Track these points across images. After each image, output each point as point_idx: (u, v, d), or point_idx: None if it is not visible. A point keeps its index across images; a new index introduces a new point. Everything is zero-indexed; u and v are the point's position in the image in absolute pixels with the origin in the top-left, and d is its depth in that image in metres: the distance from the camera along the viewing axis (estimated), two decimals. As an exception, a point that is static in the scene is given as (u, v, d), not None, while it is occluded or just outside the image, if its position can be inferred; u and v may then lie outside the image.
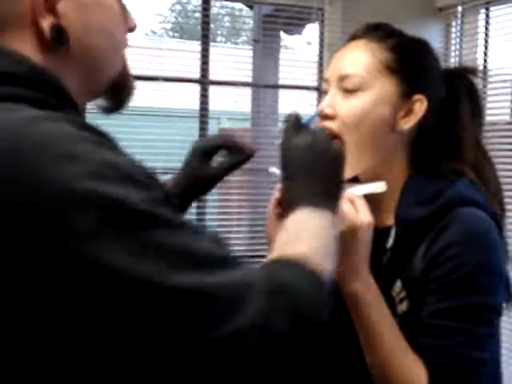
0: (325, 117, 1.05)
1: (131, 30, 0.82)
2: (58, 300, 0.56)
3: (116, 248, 0.56)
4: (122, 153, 0.65)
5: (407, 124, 1.06)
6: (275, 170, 1.04)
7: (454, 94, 1.11)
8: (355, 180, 1.07)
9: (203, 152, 1.08)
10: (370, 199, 1.00)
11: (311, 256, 0.71)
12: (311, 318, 0.64)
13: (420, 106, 1.06)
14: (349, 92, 1.05)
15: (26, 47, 0.69)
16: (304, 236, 0.75)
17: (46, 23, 0.69)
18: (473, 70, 1.14)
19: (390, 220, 1.07)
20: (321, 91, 1.03)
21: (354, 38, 1.11)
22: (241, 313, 0.58)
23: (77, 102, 0.73)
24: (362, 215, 0.96)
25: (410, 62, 1.07)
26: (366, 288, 0.98)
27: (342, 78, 1.06)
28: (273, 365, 0.59)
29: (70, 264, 0.55)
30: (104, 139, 0.65)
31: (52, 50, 0.70)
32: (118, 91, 0.82)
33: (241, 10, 4.11)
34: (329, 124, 1.05)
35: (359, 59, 1.06)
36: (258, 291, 0.61)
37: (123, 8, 0.80)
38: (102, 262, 0.55)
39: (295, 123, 0.90)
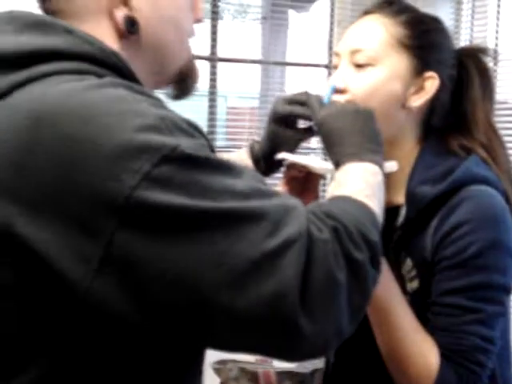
0: (335, 91, 1.05)
1: (198, 20, 0.87)
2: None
3: (170, 188, 0.62)
4: (171, 111, 0.70)
5: (418, 101, 1.06)
6: (284, 156, 1.05)
7: (465, 73, 1.10)
8: None
9: (281, 118, 1.07)
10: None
11: (355, 194, 0.79)
12: (354, 232, 0.71)
13: (432, 83, 1.05)
14: (360, 66, 1.05)
15: (104, 35, 0.76)
16: (348, 182, 0.84)
17: (120, 14, 0.77)
18: (484, 50, 1.13)
19: (400, 198, 1.07)
20: (330, 69, 1.02)
21: (366, 12, 1.11)
22: (287, 226, 0.66)
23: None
24: None
25: (423, 38, 1.06)
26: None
27: (354, 52, 1.05)
28: (322, 268, 0.66)
29: (125, 201, 0.61)
30: (156, 101, 0.71)
31: (126, 39, 0.78)
32: (184, 79, 0.87)
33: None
34: (339, 98, 1.04)
35: (372, 34, 1.06)
36: (300, 209, 0.70)
37: (192, 3, 0.85)
38: (160, 200, 0.61)
39: (318, 99, 1.00)
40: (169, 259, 0.61)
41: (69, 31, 0.73)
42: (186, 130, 0.67)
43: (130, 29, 0.77)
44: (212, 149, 0.71)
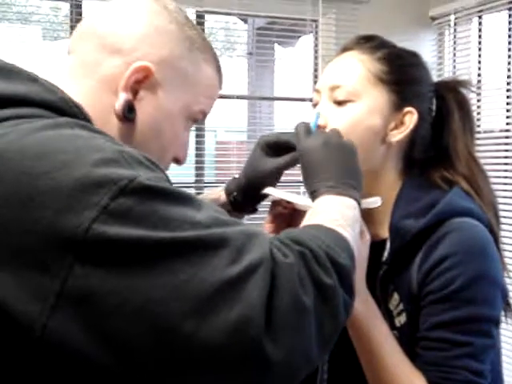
0: (318, 127, 1.05)
1: (177, 160, 0.90)
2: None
3: (128, 220, 0.62)
4: (128, 148, 0.71)
5: (398, 136, 1.06)
6: (270, 191, 1.04)
7: (444, 106, 1.11)
8: None
9: (264, 146, 1.06)
10: (364, 212, 0.99)
11: (327, 223, 0.79)
12: (321, 256, 0.70)
13: (410, 118, 1.06)
14: (339, 103, 1.05)
15: (98, 101, 0.80)
16: (323, 212, 0.83)
17: (123, 97, 0.80)
18: (464, 82, 1.15)
19: (384, 232, 1.07)
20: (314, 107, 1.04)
21: (345, 49, 1.12)
22: (250, 252, 0.66)
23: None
24: (362, 234, 0.95)
25: (401, 74, 1.07)
26: (364, 306, 0.97)
27: (333, 89, 1.06)
28: (287, 292, 0.65)
29: (83, 235, 0.60)
30: (113, 139, 0.73)
31: (118, 120, 0.80)
32: None
33: (235, 23, 4.13)
34: None
35: (350, 70, 1.06)
36: (262, 236, 0.70)
37: (184, 140, 0.89)
38: (118, 233, 0.61)
39: (306, 128, 0.98)
40: (129, 291, 0.60)
41: (33, 79, 0.75)
42: (144, 163, 0.68)
43: (125, 113, 0.80)
44: (170, 183, 0.71)
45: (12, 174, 0.63)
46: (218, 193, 1.11)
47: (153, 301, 0.60)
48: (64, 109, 0.74)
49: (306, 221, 0.82)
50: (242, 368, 0.62)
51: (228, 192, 1.11)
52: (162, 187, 0.66)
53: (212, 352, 0.61)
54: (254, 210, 1.12)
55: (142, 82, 0.80)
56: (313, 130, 0.99)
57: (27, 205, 0.61)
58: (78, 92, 0.78)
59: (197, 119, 0.88)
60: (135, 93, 0.81)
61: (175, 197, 0.67)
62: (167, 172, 0.76)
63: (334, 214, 0.82)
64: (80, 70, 0.81)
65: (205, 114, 0.89)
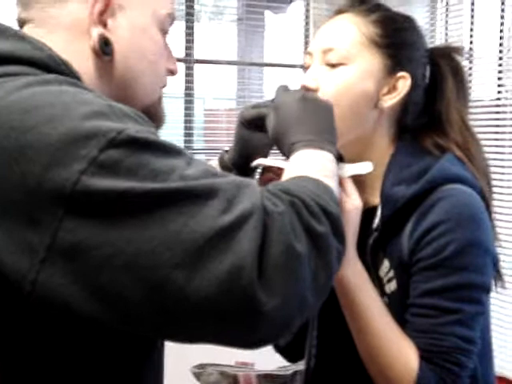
0: (307, 89, 1.03)
1: (171, 72, 0.90)
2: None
3: (118, 172, 0.61)
4: (119, 104, 0.70)
5: (390, 101, 1.05)
6: (259, 161, 1.03)
7: (438, 73, 1.10)
8: (340, 159, 1.05)
9: (249, 121, 1.05)
10: (355, 179, 0.99)
11: (312, 174, 0.78)
12: (312, 204, 0.70)
13: (404, 83, 1.04)
14: (332, 66, 1.04)
15: (78, 49, 0.78)
16: (305, 164, 0.82)
17: (96, 32, 0.78)
18: (458, 49, 1.13)
19: (375, 199, 1.06)
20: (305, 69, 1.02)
21: (339, 12, 1.10)
22: (241, 202, 0.65)
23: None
24: (352, 199, 0.94)
25: (395, 37, 1.05)
26: (353, 272, 0.97)
27: (326, 52, 1.04)
28: (279, 240, 0.65)
29: (72, 188, 0.60)
30: (100, 95, 0.72)
31: (99, 59, 0.79)
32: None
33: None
34: None
35: (343, 33, 1.04)
36: (253, 186, 0.69)
37: (167, 48, 0.88)
38: (107, 185, 0.61)
39: (285, 86, 0.96)
40: (119, 243, 0.60)
41: (20, 37, 0.74)
42: (133, 117, 0.68)
43: (103, 48, 0.79)
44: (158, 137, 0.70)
45: (1, 131, 0.62)
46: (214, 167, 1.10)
47: (143, 252, 0.60)
48: (52, 66, 0.73)
49: (290, 173, 0.81)
50: (236, 317, 0.62)
51: (225, 169, 1.10)
52: (152, 139, 0.65)
53: (204, 302, 0.61)
54: None
55: (104, 11, 0.79)
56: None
57: (16, 159, 0.61)
58: (54, 48, 0.76)
59: (167, 26, 0.87)
60: (104, 25, 0.79)
61: (165, 149, 0.66)
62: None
63: (316, 166, 0.81)
64: (42, 29, 0.79)
65: (172, 17, 0.88)
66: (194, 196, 0.63)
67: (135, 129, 0.64)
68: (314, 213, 0.69)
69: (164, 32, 0.87)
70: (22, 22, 0.82)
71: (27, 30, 0.80)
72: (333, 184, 0.79)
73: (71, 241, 0.60)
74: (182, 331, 0.64)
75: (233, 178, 0.69)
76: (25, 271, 0.60)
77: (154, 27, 0.84)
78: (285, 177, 0.81)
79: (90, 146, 0.61)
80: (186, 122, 3.36)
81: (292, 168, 0.82)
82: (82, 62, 0.78)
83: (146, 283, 0.60)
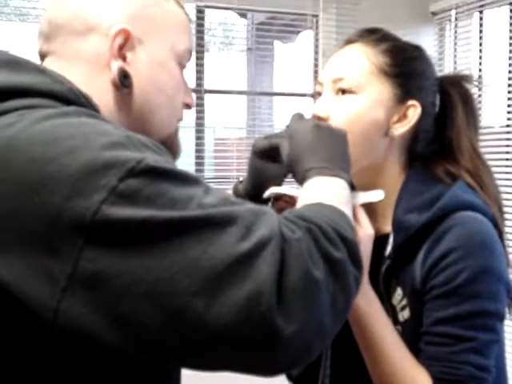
0: (318, 119, 1.04)
1: (188, 106, 0.92)
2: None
3: (137, 201, 0.62)
4: (137, 135, 0.71)
5: (401, 129, 1.06)
6: (271, 190, 1.04)
7: (448, 101, 1.11)
8: (352, 188, 1.06)
9: (261, 152, 1.06)
10: (367, 206, 0.99)
11: (326, 201, 0.79)
12: (329, 230, 0.70)
13: (414, 111, 1.05)
14: (342, 94, 1.05)
15: (99, 82, 0.81)
16: (319, 191, 0.83)
17: (116, 66, 0.81)
18: (467, 77, 1.14)
19: (387, 227, 1.06)
20: (316, 98, 1.04)
21: (349, 42, 1.11)
22: (259, 228, 0.66)
23: None
24: (364, 228, 0.94)
25: (404, 67, 1.06)
26: (366, 301, 0.97)
27: (336, 81, 1.05)
28: (297, 266, 0.65)
29: (93, 217, 0.61)
30: (118, 126, 0.73)
31: (118, 92, 0.81)
32: None
33: (234, 19, 4.12)
34: None
35: (354, 62, 1.06)
36: (270, 214, 0.70)
37: (184, 82, 0.90)
38: (127, 214, 0.61)
39: (299, 114, 0.98)
40: (139, 271, 0.61)
41: (40, 70, 0.76)
42: (151, 147, 0.69)
43: (122, 81, 0.80)
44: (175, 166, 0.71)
45: (21, 161, 0.63)
46: (231, 196, 1.11)
47: (163, 280, 0.61)
48: (72, 99, 0.74)
49: (304, 200, 0.82)
50: (255, 343, 0.62)
51: (238, 198, 1.10)
52: (170, 168, 0.66)
53: (224, 329, 0.61)
54: None
55: (124, 45, 0.81)
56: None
57: (37, 190, 0.62)
58: (73, 81, 0.78)
59: (185, 62, 0.89)
60: (123, 59, 0.81)
61: (182, 178, 0.67)
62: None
63: (330, 193, 0.82)
64: (63, 62, 0.81)
65: (190, 52, 0.90)
66: (213, 223, 0.64)
67: (153, 158, 0.65)
68: (330, 239, 0.70)
69: (182, 66, 0.88)
70: (43, 55, 0.84)
71: (49, 63, 0.82)
72: (348, 210, 0.80)
73: (92, 270, 0.60)
74: (201, 359, 0.64)
75: (250, 205, 0.70)
76: (46, 300, 0.61)
77: (171, 61, 0.86)
78: (299, 204, 0.82)
79: (110, 176, 0.62)
80: (196, 151, 3.39)
81: (306, 195, 0.83)
82: (102, 94, 0.80)
83: (165, 311, 0.61)
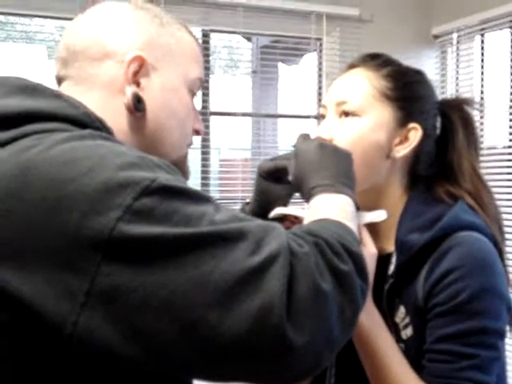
0: None
1: (197, 132, 0.95)
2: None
3: (151, 219, 0.65)
4: (150, 156, 0.74)
5: (402, 151, 1.08)
6: (277, 211, 1.06)
7: (449, 124, 1.14)
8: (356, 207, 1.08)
9: (267, 173, 1.09)
10: (370, 226, 1.01)
11: (332, 217, 0.81)
12: (335, 244, 0.73)
13: (415, 134, 1.08)
14: (345, 117, 1.08)
15: (113, 106, 0.84)
16: (324, 208, 0.85)
17: (130, 91, 0.84)
18: (468, 101, 1.17)
19: (390, 246, 1.08)
20: (320, 120, 1.07)
21: (351, 66, 1.14)
22: (269, 243, 0.68)
23: None
24: (368, 247, 0.96)
25: (406, 91, 1.09)
26: (369, 319, 0.99)
27: (339, 104, 1.09)
28: (306, 280, 0.68)
29: (109, 234, 0.63)
30: (132, 148, 0.76)
31: (132, 116, 0.85)
32: None
33: (238, 41, 4.17)
34: None
35: (356, 86, 1.09)
36: (279, 229, 0.72)
37: (195, 109, 0.94)
38: (142, 231, 0.64)
39: (305, 134, 1.01)
40: (154, 286, 0.63)
41: (56, 95, 0.79)
42: (163, 167, 0.72)
43: (136, 105, 0.84)
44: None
45: (40, 182, 0.66)
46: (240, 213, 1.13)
47: (177, 294, 0.63)
48: (87, 123, 0.77)
49: (310, 217, 0.84)
50: (266, 355, 0.65)
51: None
52: (182, 187, 0.69)
53: (236, 341, 0.63)
54: None
55: (138, 71, 0.85)
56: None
57: (55, 209, 0.64)
58: (89, 105, 0.81)
59: (196, 89, 0.92)
60: (137, 84, 0.85)
61: (194, 196, 0.70)
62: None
63: (335, 210, 0.84)
64: (80, 88, 0.85)
65: (201, 80, 0.93)
66: (225, 239, 0.67)
67: (166, 178, 0.68)
68: (337, 252, 0.72)
69: (192, 94, 0.92)
70: (60, 79, 0.88)
71: (66, 87, 0.86)
72: (353, 225, 0.82)
73: (109, 285, 0.63)
74: (214, 370, 0.66)
75: (259, 221, 0.73)
76: (65, 315, 0.63)
77: (183, 89, 0.89)
78: (306, 220, 0.84)
79: (125, 195, 0.65)
80: (202, 172, 3.42)
81: (312, 212, 0.86)
82: (116, 118, 0.84)
83: (180, 324, 0.63)
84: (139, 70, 0.85)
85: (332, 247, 0.73)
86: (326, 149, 0.95)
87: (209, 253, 0.65)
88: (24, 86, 0.79)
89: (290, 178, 0.98)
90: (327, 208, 0.85)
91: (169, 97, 0.87)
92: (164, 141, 0.88)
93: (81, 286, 0.63)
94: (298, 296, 0.66)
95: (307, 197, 0.91)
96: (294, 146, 1.00)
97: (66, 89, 0.85)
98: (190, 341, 0.64)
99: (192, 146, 0.97)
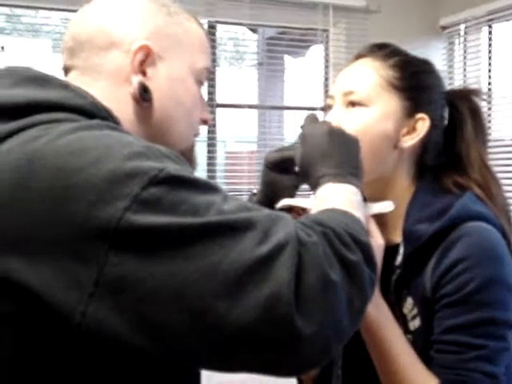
0: None
1: (204, 121, 0.95)
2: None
3: (159, 209, 0.65)
4: (157, 146, 0.74)
5: (409, 141, 1.08)
6: (283, 202, 1.06)
7: (457, 114, 1.13)
8: (363, 198, 1.08)
9: (273, 164, 1.08)
10: (378, 217, 1.01)
11: (338, 207, 0.81)
12: (343, 234, 0.73)
13: (422, 124, 1.08)
14: (353, 107, 1.07)
15: (119, 96, 0.84)
16: (331, 197, 0.85)
17: (136, 80, 0.84)
18: (476, 92, 1.16)
19: (397, 237, 1.08)
20: (326, 111, 1.06)
21: (359, 56, 1.14)
22: (277, 233, 0.68)
23: None
24: (375, 238, 0.96)
25: (413, 80, 1.08)
26: (377, 310, 0.99)
27: (347, 94, 1.08)
28: (314, 269, 0.67)
29: (117, 224, 0.63)
30: (139, 138, 0.76)
31: (139, 105, 0.84)
32: None
33: (244, 33, 4.16)
34: None
35: (363, 76, 1.08)
36: (287, 219, 0.72)
37: (202, 99, 0.93)
38: (150, 221, 0.64)
39: (313, 116, 1.00)
40: (163, 276, 0.63)
41: (64, 86, 0.79)
42: (171, 157, 0.72)
43: (143, 95, 0.84)
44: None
45: (47, 171, 0.66)
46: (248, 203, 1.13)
47: (186, 284, 0.63)
48: (94, 112, 0.77)
49: (317, 206, 0.84)
50: (275, 343, 0.64)
51: None
52: (189, 177, 0.69)
53: (245, 330, 0.63)
54: None
55: (145, 61, 0.84)
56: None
57: (63, 198, 0.64)
58: (95, 95, 0.81)
59: (203, 79, 0.92)
60: (144, 74, 0.85)
61: (202, 186, 0.70)
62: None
63: (341, 199, 0.84)
64: (86, 77, 0.85)
65: (208, 70, 0.93)
66: (233, 229, 0.66)
67: (174, 167, 0.68)
68: (345, 242, 0.72)
69: (200, 83, 0.91)
70: (67, 69, 0.88)
71: (72, 77, 0.86)
72: (360, 215, 0.82)
73: (117, 275, 0.62)
74: (223, 360, 0.66)
75: (267, 211, 0.72)
76: (74, 304, 0.63)
77: (190, 78, 0.89)
78: (314, 210, 0.84)
79: (133, 185, 0.64)
80: (208, 164, 3.42)
81: (319, 201, 0.85)
82: (123, 108, 0.83)
83: (188, 314, 0.63)
84: (145, 59, 0.84)
85: (340, 237, 0.72)
86: (334, 135, 0.94)
87: (217, 243, 0.65)
88: (32, 77, 0.79)
89: (297, 165, 0.97)
90: (334, 197, 0.85)
91: (175, 86, 0.87)
92: (171, 130, 0.88)
93: (89, 275, 0.63)
94: (307, 285, 0.66)
95: (314, 185, 0.91)
96: (302, 127, 0.99)
97: (73, 79, 0.85)
98: (198, 330, 0.63)
99: (198, 138, 0.96)
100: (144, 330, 0.63)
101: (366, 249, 0.75)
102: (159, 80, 0.86)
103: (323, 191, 0.88)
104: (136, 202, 0.64)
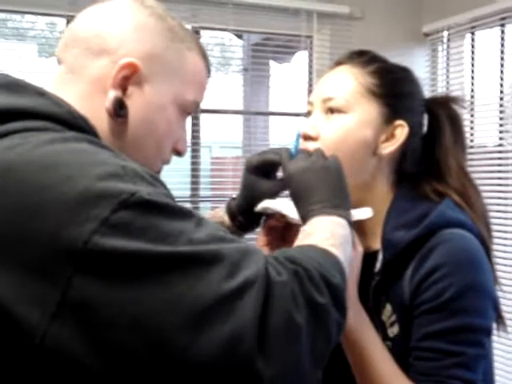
0: (307, 138, 1.07)
1: (178, 152, 0.92)
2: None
3: (128, 233, 0.63)
4: (131, 162, 0.72)
5: (388, 148, 1.08)
6: (263, 204, 1.06)
7: (436, 121, 1.14)
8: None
9: (255, 168, 1.08)
10: (356, 224, 1.01)
11: (320, 243, 0.80)
12: (315, 275, 0.71)
13: (401, 131, 1.08)
14: (332, 114, 1.07)
15: (90, 106, 0.82)
16: (314, 232, 0.84)
17: (112, 94, 0.82)
18: (456, 99, 1.16)
19: (376, 244, 1.08)
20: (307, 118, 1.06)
21: (338, 63, 1.14)
22: (245, 268, 0.67)
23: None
24: (354, 245, 0.95)
25: (392, 87, 1.09)
26: (356, 317, 0.98)
27: (326, 101, 1.08)
28: (280, 310, 0.66)
29: (83, 246, 0.61)
30: (119, 154, 0.74)
31: (111, 120, 0.82)
32: None
33: (230, 39, 4.16)
34: (311, 145, 1.06)
35: (342, 83, 1.09)
36: (258, 254, 0.71)
37: (183, 129, 0.91)
38: (117, 246, 0.62)
39: (288, 153, 1.01)
40: (125, 303, 0.61)
41: (40, 93, 0.77)
42: (146, 178, 0.69)
43: (117, 110, 0.82)
44: (172, 198, 0.72)
45: (19, 186, 0.65)
46: (221, 216, 1.13)
47: (148, 313, 0.61)
48: (70, 121, 0.76)
49: (299, 241, 0.84)
50: (234, 383, 0.63)
51: (231, 215, 1.12)
52: (162, 202, 0.67)
53: (204, 366, 0.62)
54: (257, 227, 1.14)
55: (129, 78, 0.82)
56: (293, 153, 1.01)
57: (32, 215, 0.63)
58: (69, 97, 0.80)
59: (190, 110, 0.90)
60: (124, 89, 0.83)
61: (175, 212, 0.68)
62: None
63: (325, 234, 0.83)
64: (70, 75, 0.84)
65: (197, 104, 0.91)
66: (201, 261, 0.65)
67: (147, 191, 0.66)
68: (315, 283, 0.71)
69: (186, 114, 0.90)
70: (59, 60, 0.86)
71: (59, 72, 0.85)
72: (341, 252, 0.81)
73: (80, 298, 0.61)
74: None
75: (239, 244, 0.71)
76: (36, 323, 0.61)
77: (172, 107, 0.87)
78: (296, 243, 0.84)
79: (102, 207, 0.63)
80: (192, 170, 3.41)
81: (303, 236, 0.85)
82: (98, 118, 0.81)
83: (148, 343, 0.61)
84: (131, 76, 0.82)
85: (311, 278, 0.71)
86: (316, 169, 0.94)
87: (183, 274, 0.63)
88: (7, 83, 0.77)
89: (285, 182, 0.98)
90: (319, 233, 0.84)
91: (153, 111, 0.85)
92: (137, 153, 0.85)
93: (53, 295, 0.61)
94: (271, 327, 0.65)
95: (304, 220, 0.91)
96: (282, 165, 1.00)
97: (59, 75, 0.84)
98: (157, 361, 0.62)
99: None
100: (103, 355, 0.62)
101: (336, 292, 0.73)
102: (138, 100, 0.84)
103: (309, 226, 0.87)
104: (104, 225, 0.62)
